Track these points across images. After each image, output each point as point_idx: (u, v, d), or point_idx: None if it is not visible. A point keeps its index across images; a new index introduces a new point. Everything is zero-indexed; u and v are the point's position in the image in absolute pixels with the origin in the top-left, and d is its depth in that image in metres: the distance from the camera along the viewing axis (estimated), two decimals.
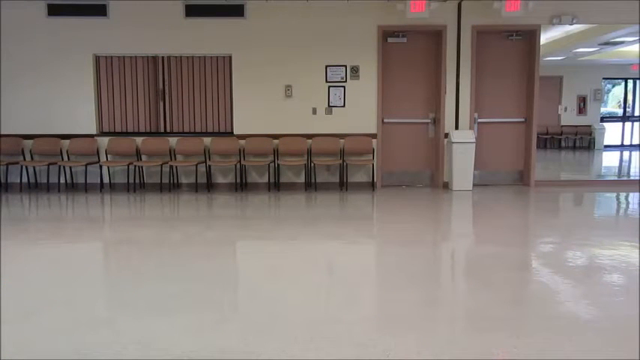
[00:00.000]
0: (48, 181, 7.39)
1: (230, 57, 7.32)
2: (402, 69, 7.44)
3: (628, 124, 14.08)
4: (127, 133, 7.45)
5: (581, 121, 13.72)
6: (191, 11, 7.18)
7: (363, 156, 7.32)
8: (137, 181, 7.38)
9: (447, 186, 7.36)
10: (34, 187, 7.46)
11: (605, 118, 14.00)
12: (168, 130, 7.49)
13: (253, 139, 7.30)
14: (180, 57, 7.37)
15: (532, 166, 7.46)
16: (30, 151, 7.37)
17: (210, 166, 7.36)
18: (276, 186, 7.39)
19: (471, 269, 3.56)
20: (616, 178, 8.56)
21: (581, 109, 13.72)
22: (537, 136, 7.53)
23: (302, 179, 7.44)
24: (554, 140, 13.78)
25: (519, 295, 3.03)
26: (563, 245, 4.16)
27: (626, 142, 14.09)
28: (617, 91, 14.51)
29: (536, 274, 3.43)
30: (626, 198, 6.52)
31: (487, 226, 4.97)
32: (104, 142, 7.36)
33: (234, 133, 7.37)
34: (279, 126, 7.33)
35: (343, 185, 7.36)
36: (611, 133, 13.93)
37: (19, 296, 3.04)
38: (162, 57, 7.38)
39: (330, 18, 7.21)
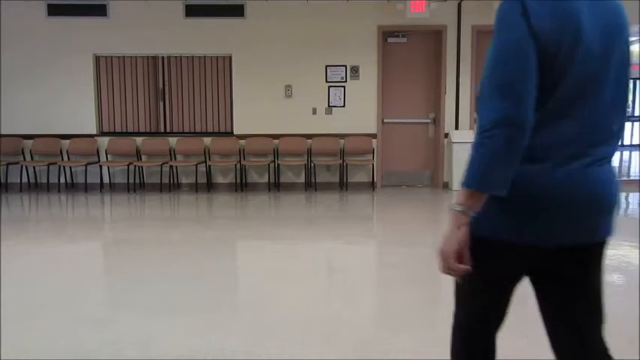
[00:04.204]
0: (48, 181, 7.38)
1: (230, 57, 7.32)
2: (402, 69, 7.44)
3: (628, 124, 14.10)
4: (127, 133, 7.45)
5: None
6: (191, 11, 7.18)
7: (363, 156, 7.32)
8: (137, 181, 7.38)
9: (447, 186, 7.36)
10: (34, 187, 7.46)
11: None
12: (168, 130, 7.49)
13: (253, 139, 7.30)
14: (180, 57, 7.37)
15: None
16: (30, 151, 7.37)
17: (210, 166, 7.36)
18: (276, 186, 7.39)
19: None
20: None
21: None
22: None
23: (302, 179, 7.44)
24: None
25: (519, 294, 3.02)
26: None
27: (626, 142, 14.10)
28: None
29: None
30: (626, 198, 6.52)
31: None
32: (104, 142, 7.35)
33: (234, 133, 7.37)
34: (279, 126, 7.33)
35: (343, 185, 7.36)
36: None
37: (20, 296, 3.04)
38: (163, 57, 7.38)
39: (330, 18, 7.21)
